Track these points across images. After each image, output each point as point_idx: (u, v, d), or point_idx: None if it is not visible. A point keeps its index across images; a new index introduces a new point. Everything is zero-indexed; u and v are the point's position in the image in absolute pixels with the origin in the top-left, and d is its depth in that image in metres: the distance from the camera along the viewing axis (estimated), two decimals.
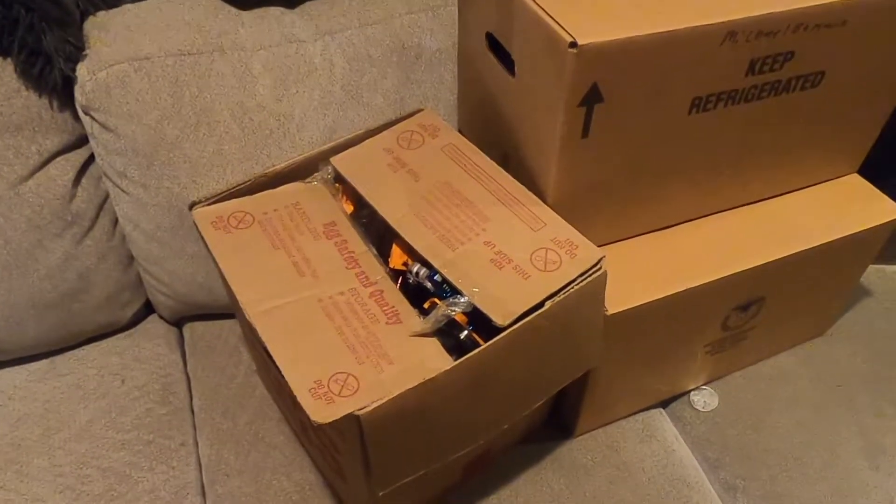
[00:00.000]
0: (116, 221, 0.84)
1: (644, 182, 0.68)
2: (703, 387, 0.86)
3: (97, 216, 0.83)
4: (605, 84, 0.57)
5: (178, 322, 0.94)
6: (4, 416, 0.81)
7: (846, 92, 0.70)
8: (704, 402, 0.85)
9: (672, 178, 0.69)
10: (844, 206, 0.79)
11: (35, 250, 0.79)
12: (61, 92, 0.75)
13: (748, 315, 0.78)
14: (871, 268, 0.85)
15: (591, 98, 0.58)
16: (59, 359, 0.87)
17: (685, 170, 0.69)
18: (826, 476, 0.77)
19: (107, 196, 0.83)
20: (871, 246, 0.81)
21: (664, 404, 0.87)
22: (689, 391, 0.86)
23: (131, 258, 0.87)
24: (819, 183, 0.81)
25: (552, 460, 0.78)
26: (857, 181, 0.82)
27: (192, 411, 0.84)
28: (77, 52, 0.74)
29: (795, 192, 0.80)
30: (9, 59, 0.73)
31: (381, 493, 0.59)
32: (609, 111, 0.59)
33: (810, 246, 0.74)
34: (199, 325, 0.93)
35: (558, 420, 0.81)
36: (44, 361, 0.87)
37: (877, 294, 0.96)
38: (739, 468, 0.79)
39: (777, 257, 0.72)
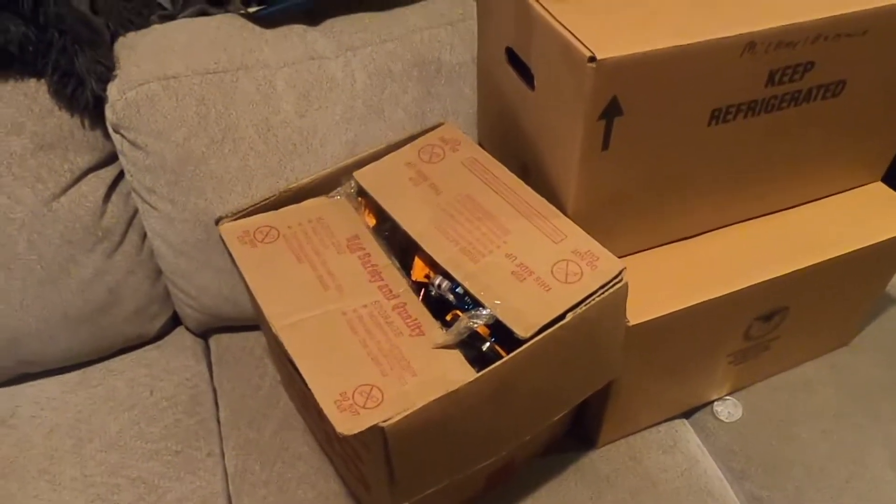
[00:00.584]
0: (145, 236, 0.86)
1: (664, 193, 0.68)
2: (727, 397, 0.86)
3: (126, 231, 0.85)
4: (624, 97, 0.58)
5: (204, 334, 0.96)
6: (37, 426, 0.83)
7: (868, 100, 0.70)
8: (728, 412, 0.85)
9: (693, 190, 0.69)
10: (868, 214, 0.78)
11: (68, 265, 0.81)
12: (92, 111, 0.78)
13: (771, 325, 0.78)
14: None
15: (611, 111, 0.59)
16: (89, 370, 0.89)
17: (706, 181, 0.69)
18: (852, 487, 0.77)
19: (136, 212, 0.85)
20: None
21: (687, 415, 0.86)
22: (713, 401, 0.86)
23: (159, 272, 0.89)
24: (842, 192, 0.80)
25: (575, 471, 0.79)
26: (880, 189, 0.81)
27: (219, 422, 0.85)
28: (108, 72, 0.76)
29: (818, 201, 0.79)
30: (42, 81, 0.75)
31: None
32: (629, 124, 0.60)
33: (834, 255, 0.73)
34: (225, 337, 0.94)
35: (581, 431, 0.81)
36: (75, 373, 0.89)
37: None
38: (764, 479, 0.78)
39: (800, 267, 0.72)
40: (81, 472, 0.78)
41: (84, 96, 0.75)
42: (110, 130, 0.79)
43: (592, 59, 0.55)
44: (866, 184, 0.81)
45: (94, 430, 0.82)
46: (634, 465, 0.79)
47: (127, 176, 0.82)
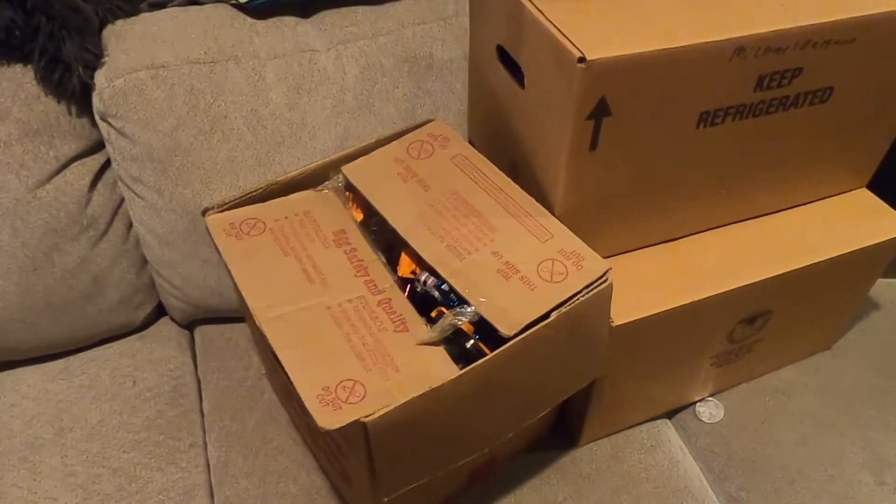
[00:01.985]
0: (131, 226, 0.86)
1: (651, 195, 0.69)
2: (709, 398, 0.87)
3: (112, 220, 0.84)
4: (613, 98, 0.58)
5: (189, 325, 0.95)
6: (18, 414, 0.82)
7: (855, 107, 0.70)
8: (710, 413, 0.85)
9: (679, 192, 0.70)
10: (853, 220, 0.79)
11: (52, 253, 0.80)
12: (79, 98, 0.77)
13: (754, 328, 0.78)
14: (880, 282, 0.85)
15: (600, 112, 0.59)
16: (72, 359, 0.89)
17: (693, 183, 0.70)
18: (830, 490, 0.77)
19: (122, 201, 0.85)
20: (880, 260, 0.81)
21: (669, 415, 0.87)
22: (695, 402, 0.87)
23: (145, 262, 0.88)
24: (828, 197, 0.81)
25: (557, 469, 0.79)
26: (865, 196, 0.82)
27: (202, 413, 0.85)
28: (95, 59, 0.75)
29: (804, 206, 0.80)
30: (29, 67, 0.74)
31: (385, 499, 0.60)
32: (617, 125, 0.60)
33: (818, 260, 0.74)
34: (209, 329, 0.94)
35: (564, 429, 0.82)
36: (57, 361, 0.88)
37: (885, 308, 0.96)
38: (744, 480, 0.79)
39: (784, 271, 0.72)
40: (62, 461, 0.78)
41: (71, 83, 0.74)
42: (97, 118, 0.78)
43: (582, 59, 0.55)
44: (851, 190, 0.82)
45: (75, 420, 0.82)
46: (616, 464, 0.80)
47: (113, 164, 0.81)
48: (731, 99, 0.63)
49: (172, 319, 0.95)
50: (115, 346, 0.91)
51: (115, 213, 0.84)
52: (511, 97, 0.70)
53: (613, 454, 0.81)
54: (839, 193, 0.82)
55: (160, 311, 0.94)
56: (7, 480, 0.76)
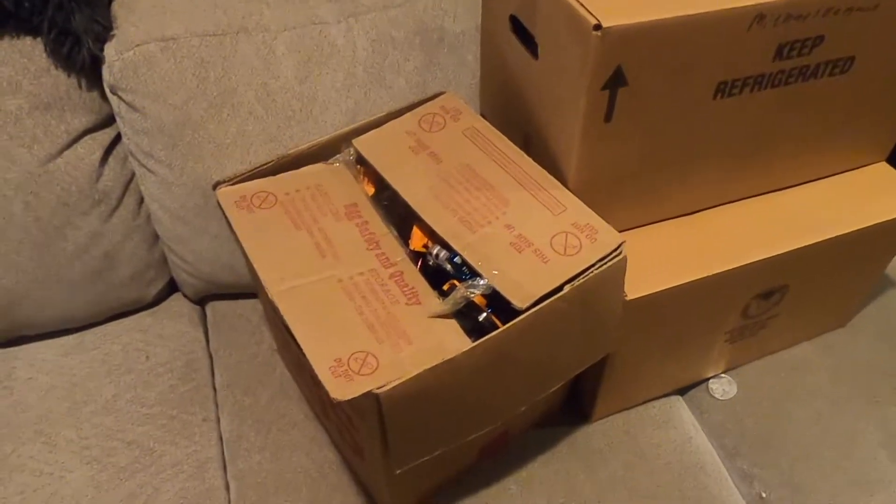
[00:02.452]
0: (142, 201, 0.86)
1: (667, 167, 0.68)
2: (722, 375, 0.86)
3: (123, 195, 0.84)
4: (629, 67, 0.57)
5: (201, 301, 0.95)
6: (33, 388, 0.83)
7: (876, 78, 0.69)
8: (723, 390, 0.85)
9: (695, 164, 0.69)
10: (871, 194, 0.77)
11: (64, 228, 0.80)
12: (89, 71, 0.76)
13: (770, 303, 0.77)
14: None
15: (615, 81, 0.58)
16: (85, 334, 0.89)
17: (709, 155, 0.68)
18: (844, 467, 0.77)
19: (133, 175, 0.84)
20: None
21: (682, 391, 0.86)
22: (708, 379, 0.86)
23: (156, 237, 0.88)
24: (846, 171, 0.80)
25: (568, 444, 0.79)
26: (885, 170, 0.80)
27: (215, 388, 0.85)
28: (105, 31, 0.75)
29: (821, 180, 0.79)
30: (39, 39, 0.74)
31: (397, 472, 0.60)
32: (633, 95, 0.59)
33: (835, 235, 0.73)
34: (221, 304, 0.94)
35: (576, 405, 0.82)
36: (71, 336, 0.89)
37: None
38: (756, 457, 0.79)
39: (801, 245, 0.71)
40: (77, 434, 0.79)
41: (81, 56, 0.73)
42: (107, 92, 0.78)
43: (598, 27, 0.54)
44: (871, 164, 0.81)
45: (89, 394, 0.82)
46: (628, 439, 0.80)
47: (124, 139, 0.81)
48: (750, 69, 0.62)
49: (184, 295, 0.95)
50: (127, 321, 0.91)
51: (126, 188, 0.84)
52: (524, 68, 0.69)
53: (625, 430, 0.81)
54: (858, 167, 0.80)
55: (172, 287, 0.95)
56: (23, 453, 0.77)
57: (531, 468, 0.76)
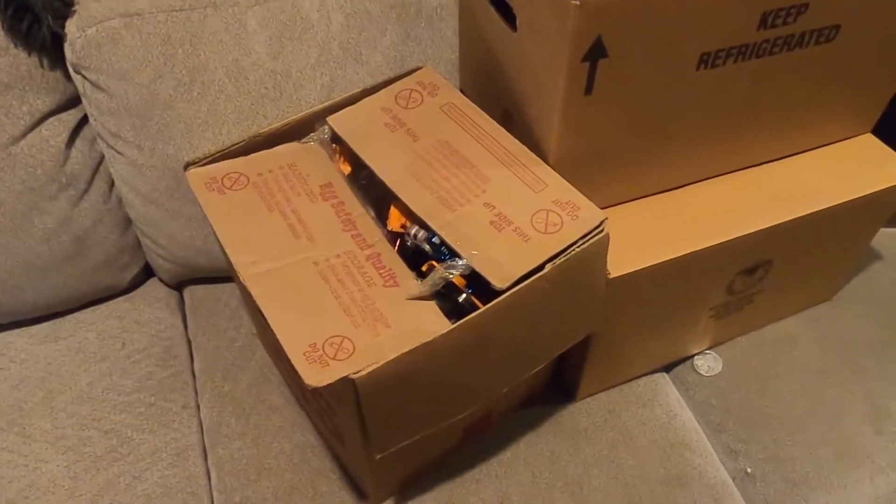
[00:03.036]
0: (112, 184, 0.83)
1: (649, 141, 0.66)
2: (707, 351, 0.86)
3: (92, 178, 0.81)
4: (609, 38, 0.55)
5: (178, 285, 0.94)
6: (6, 378, 0.81)
7: (862, 48, 0.67)
8: (708, 366, 0.84)
9: (678, 138, 0.67)
10: (857, 166, 0.76)
11: (30, 213, 0.78)
12: (51, 50, 0.73)
13: (754, 279, 0.77)
14: (882, 231, 0.83)
15: (595, 53, 0.56)
16: (59, 322, 0.87)
17: (692, 129, 0.67)
18: (829, 440, 0.77)
19: (102, 158, 0.82)
20: (883, 208, 0.79)
21: (667, 368, 0.86)
22: (693, 355, 0.85)
23: (129, 221, 0.86)
24: (831, 143, 0.79)
25: (553, 424, 0.78)
26: (870, 141, 0.79)
27: (194, 374, 0.84)
28: (66, 7, 0.72)
29: (806, 153, 0.78)
30: None
31: (378, 457, 0.59)
32: (613, 67, 0.57)
33: (820, 208, 0.72)
34: (199, 289, 0.92)
35: (560, 384, 0.81)
36: (44, 324, 0.87)
37: (887, 258, 0.94)
38: (742, 432, 0.79)
39: (785, 220, 0.70)
40: (52, 424, 0.77)
41: (41, 33, 0.70)
42: (71, 71, 0.75)
43: None
44: (856, 135, 0.80)
45: (64, 383, 0.81)
46: (613, 418, 0.79)
47: (91, 120, 0.78)
48: (734, 38, 0.60)
49: (161, 280, 0.93)
50: (102, 307, 0.89)
51: (95, 171, 0.81)
52: (502, 41, 0.67)
53: (610, 408, 0.80)
54: (843, 139, 0.79)
55: (148, 272, 0.92)
56: None
57: (516, 448, 0.76)
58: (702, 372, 0.84)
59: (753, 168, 0.76)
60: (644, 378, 0.83)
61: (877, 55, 0.70)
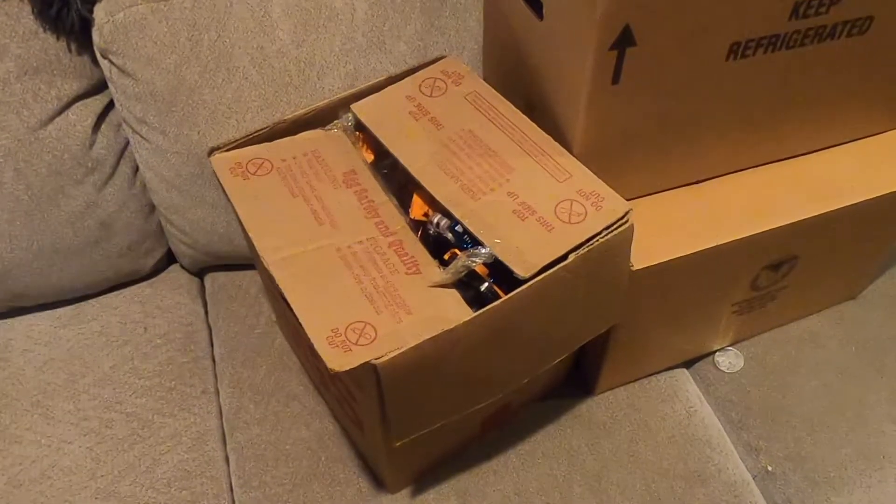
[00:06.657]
0: (137, 169, 0.84)
1: (676, 133, 0.65)
2: (729, 348, 0.85)
3: (118, 163, 0.82)
4: (638, 26, 0.54)
5: (199, 272, 0.94)
6: (31, 360, 0.82)
7: (895, 40, 0.66)
8: (729, 362, 0.83)
9: (706, 130, 0.66)
10: (886, 163, 0.75)
11: (56, 196, 0.79)
12: (79, 34, 0.74)
13: (779, 275, 0.76)
14: None
15: (623, 41, 0.55)
16: (83, 305, 0.88)
17: (720, 120, 0.66)
18: (851, 440, 0.76)
19: (127, 143, 0.82)
20: None
21: (688, 364, 0.85)
22: (714, 351, 0.85)
23: (152, 207, 0.86)
24: (862, 138, 0.77)
25: (572, 417, 0.78)
26: None
27: (214, 360, 0.84)
28: None
29: (835, 148, 0.76)
30: (25, 1, 0.71)
31: (397, 444, 0.59)
32: (641, 56, 0.56)
33: (847, 204, 0.70)
34: (220, 276, 0.93)
35: (579, 377, 0.80)
36: (68, 308, 0.88)
37: None
38: (762, 430, 0.78)
39: (812, 215, 0.69)
40: (75, 405, 0.78)
41: (69, 18, 0.71)
42: (98, 56, 0.75)
43: None
44: (886, 131, 0.78)
45: (87, 366, 0.81)
46: (633, 412, 0.79)
47: (117, 105, 0.79)
48: (764, 28, 0.59)
49: (182, 266, 0.93)
50: (125, 292, 0.90)
51: (120, 156, 0.82)
52: (528, 30, 0.66)
53: (630, 402, 0.79)
54: (873, 134, 0.78)
55: (170, 258, 0.93)
56: (21, 424, 0.76)
57: (534, 441, 0.75)
58: (723, 368, 0.83)
59: (781, 162, 0.74)
60: (664, 373, 0.82)
61: None
